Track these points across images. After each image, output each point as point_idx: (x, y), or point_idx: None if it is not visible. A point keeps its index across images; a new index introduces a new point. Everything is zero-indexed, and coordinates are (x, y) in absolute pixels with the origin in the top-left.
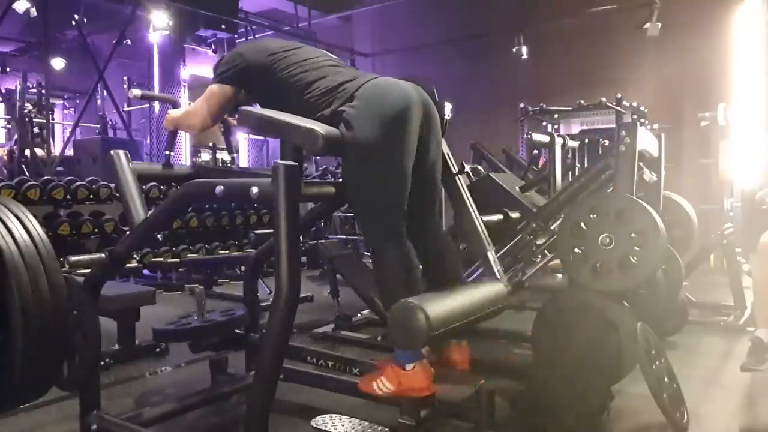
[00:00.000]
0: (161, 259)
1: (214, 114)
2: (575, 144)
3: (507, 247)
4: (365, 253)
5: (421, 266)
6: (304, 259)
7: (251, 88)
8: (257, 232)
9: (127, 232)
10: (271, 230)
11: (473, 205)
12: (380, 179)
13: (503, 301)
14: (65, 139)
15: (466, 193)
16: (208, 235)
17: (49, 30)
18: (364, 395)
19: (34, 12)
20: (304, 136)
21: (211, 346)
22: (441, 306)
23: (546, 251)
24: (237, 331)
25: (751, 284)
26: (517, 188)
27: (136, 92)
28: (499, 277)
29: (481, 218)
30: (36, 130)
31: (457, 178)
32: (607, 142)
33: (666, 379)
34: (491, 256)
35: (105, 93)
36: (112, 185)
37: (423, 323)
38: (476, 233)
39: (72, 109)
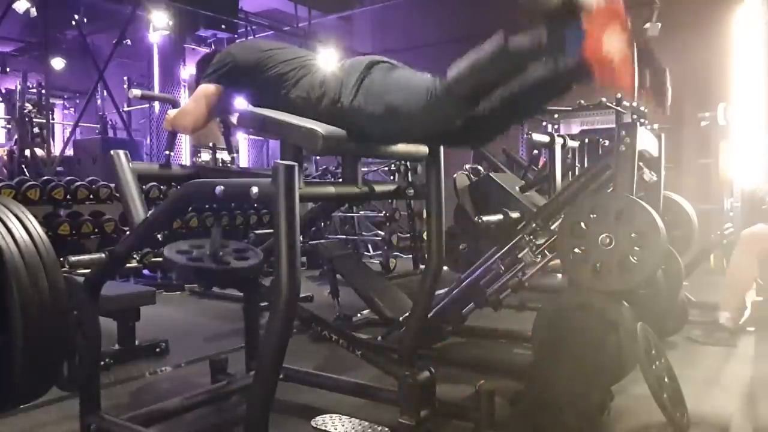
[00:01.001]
0: (161, 259)
1: (204, 113)
2: (575, 144)
3: (507, 247)
4: (365, 253)
5: None
6: (304, 259)
7: (241, 87)
8: (257, 232)
9: (127, 232)
10: (271, 230)
11: None
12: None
13: None
14: (65, 139)
15: None
16: (208, 235)
17: (49, 30)
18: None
19: (34, 12)
20: (304, 136)
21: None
22: None
23: (546, 251)
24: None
25: (726, 271)
26: (517, 188)
27: (136, 92)
28: None
29: (482, 218)
30: (36, 130)
31: None
32: (607, 142)
33: (666, 379)
34: None
35: (105, 93)
36: (112, 185)
37: None
38: None
39: (72, 109)
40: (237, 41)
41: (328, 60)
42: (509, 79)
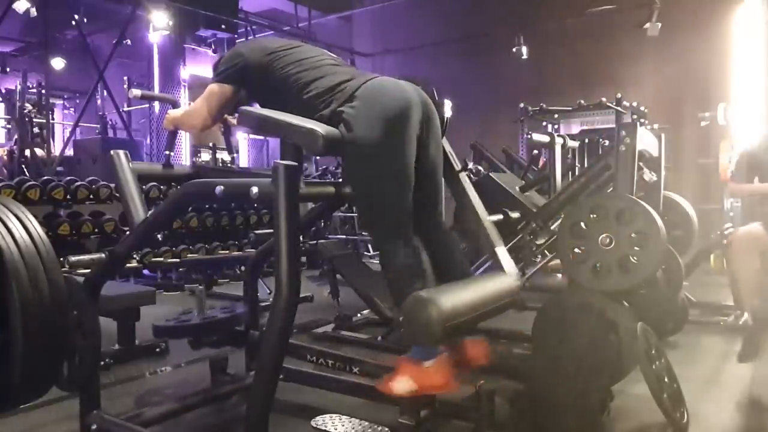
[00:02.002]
0: (161, 259)
1: (214, 114)
2: (575, 144)
3: (507, 247)
4: (365, 253)
5: (430, 264)
6: (304, 259)
7: (251, 88)
8: (257, 232)
9: (127, 232)
10: (271, 230)
11: (478, 200)
12: (382, 179)
13: (515, 293)
14: (65, 139)
15: (470, 190)
16: (208, 235)
17: (49, 30)
18: (381, 396)
19: (34, 12)
20: (304, 136)
21: (212, 343)
22: (452, 298)
23: (546, 251)
24: (237, 328)
25: (730, 277)
26: (517, 188)
27: (136, 92)
28: (508, 271)
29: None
30: (36, 130)
31: (460, 176)
32: (607, 142)
33: (666, 379)
34: (500, 250)
35: (105, 93)
36: (112, 185)
37: (435, 315)
38: (484, 229)
39: (72, 109)
40: (245, 41)
41: (336, 62)
42: None
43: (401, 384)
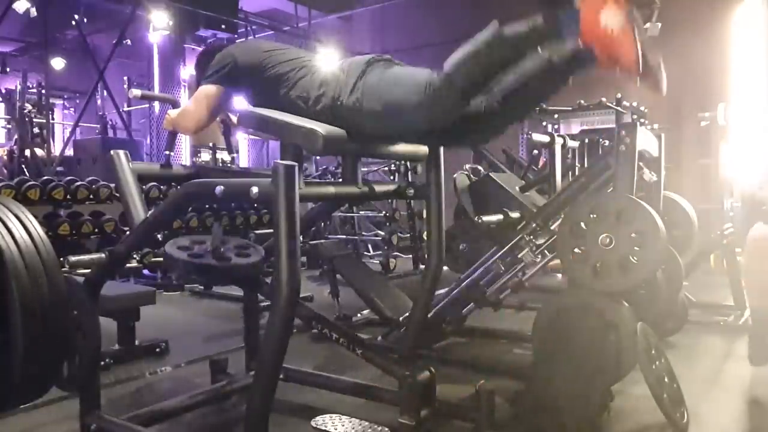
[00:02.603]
0: (161, 259)
1: (206, 114)
2: (575, 144)
3: (507, 247)
4: (365, 253)
5: None
6: (304, 259)
7: (242, 88)
8: (257, 232)
9: (127, 232)
10: (271, 230)
11: None
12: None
13: None
14: (65, 139)
15: None
16: (209, 232)
17: (49, 30)
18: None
19: (34, 12)
20: (304, 136)
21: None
22: None
23: (546, 251)
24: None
25: (744, 279)
26: (517, 188)
27: (136, 92)
28: None
29: (482, 218)
30: (36, 130)
31: None
32: (607, 142)
33: (666, 379)
34: None
35: (105, 93)
36: (112, 185)
37: None
38: None
39: (72, 109)
40: (237, 41)
41: (327, 60)
42: (506, 67)
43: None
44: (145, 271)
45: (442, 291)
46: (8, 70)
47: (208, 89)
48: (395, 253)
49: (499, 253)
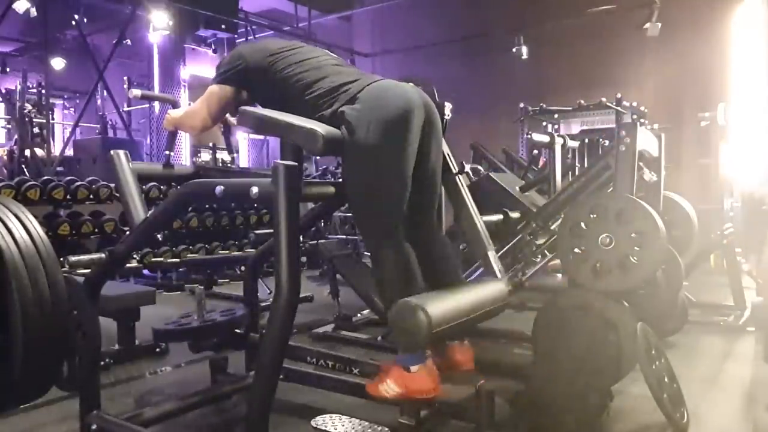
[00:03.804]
0: (161, 259)
1: (214, 114)
2: (575, 144)
3: (507, 247)
4: (365, 253)
5: (421, 268)
6: (304, 259)
7: (252, 89)
8: (257, 232)
9: (127, 232)
10: (271, 230)
11: (473, 205)
12: (380, 181)
13: (503, 299)
14: (65, 139)
15: (466, 193)
16: (208, 235)
17: (49, 30)
18: (371, 397)
19: (34, 12)
20: (305, 136)
21: (212, 346)
22: (441, 305)
23: (546, 251)
24: (237, 330)
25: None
26: (517, 188)
27: (136, 92)
28: (499, 276)
29: (481, 218)
30: (36, 130)
31: (457, 178)
32: (607, 142)
33: (666, 379)
34: (491, 255)
35: (105, 93)
36: (112, 185)
37: (423, 322)
38: (476, 233)
39: (72, 109)
40: (246, 41)
41: (340, 61)
42: None
43: (388, 388)
44: (145, 271)
45: None
46: (8, 70)
47: (218, 89)
48: None
49: (499, 253)
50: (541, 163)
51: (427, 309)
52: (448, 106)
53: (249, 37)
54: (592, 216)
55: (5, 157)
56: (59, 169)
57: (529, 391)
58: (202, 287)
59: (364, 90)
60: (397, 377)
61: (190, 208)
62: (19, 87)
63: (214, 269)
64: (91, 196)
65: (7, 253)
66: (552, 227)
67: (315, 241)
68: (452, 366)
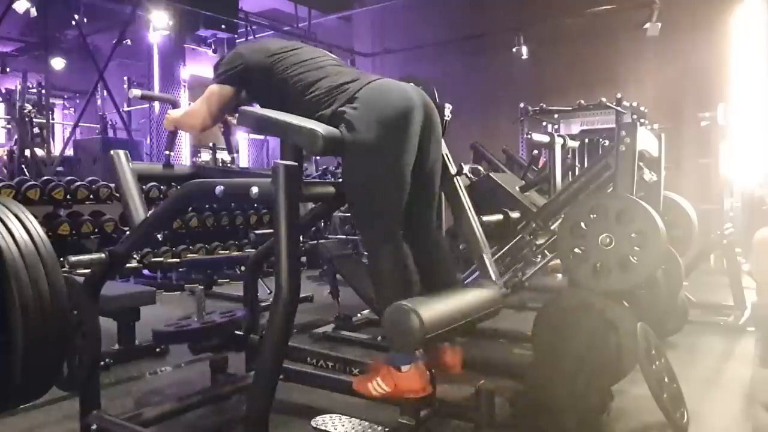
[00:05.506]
0: (161, 259)
1: (214, 114)
2: (575, 144)
3: (507, 247)
4: (365, 253)
5: (417, 269)
6: (304, 259)
7: (251, 89)
8: (257, 232)
9: (127, 232)
10: (271, 230)
11: (471, 206)
12: (379, 182)
13: (498, 303)
14: (65, 139)
15: (464, 195)
16: (208, 235)
17: (49, 30)
18: (360, 395)
19: (34, 12)
20: (305, 136)
21: (211, 348)
22: (434, 309)
23: (546, 251)
24: (237, 332)
25: (756, 282)
26: (517, 188)
27: (136, 92)
28: (494, 279)
29: (481, 218)
30: (36, 130)
31: (455, 180)
32: (607, 142)
33: (666, 379)
34: (487, 258)
35: (105, 93)
36: (112, 185)
37: (416, 326)
38: (473, 235)
39: (72, 109)
40: (246, 41)
41: (339, 61)
42: None
43: (376, 386)
44: (145, 271)
45: None
46: (8, 70)
47: (218, 89)
48: None
49: (499, 253)
50: (541, 163)
51: (421, 313)
52: (448, 107)
53: (249, 37)
54: (592, 216)
55: (5, 157)
56: (59, 169)
57: (529, 391)
58: (202, 287)
59: (363, 89)
60: (386, 376)
61: (190, 208)
62: (19, 87)
63: (214, 269)
64: (91, 196)
65: (7, 253)
66: (552, 227)
67: (315, 241)
68: (440, 368)
